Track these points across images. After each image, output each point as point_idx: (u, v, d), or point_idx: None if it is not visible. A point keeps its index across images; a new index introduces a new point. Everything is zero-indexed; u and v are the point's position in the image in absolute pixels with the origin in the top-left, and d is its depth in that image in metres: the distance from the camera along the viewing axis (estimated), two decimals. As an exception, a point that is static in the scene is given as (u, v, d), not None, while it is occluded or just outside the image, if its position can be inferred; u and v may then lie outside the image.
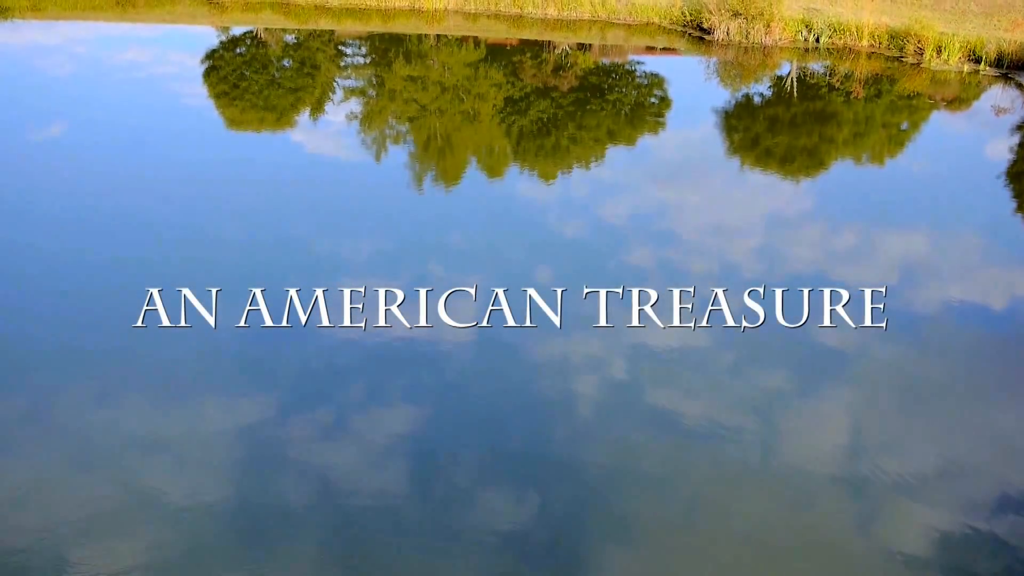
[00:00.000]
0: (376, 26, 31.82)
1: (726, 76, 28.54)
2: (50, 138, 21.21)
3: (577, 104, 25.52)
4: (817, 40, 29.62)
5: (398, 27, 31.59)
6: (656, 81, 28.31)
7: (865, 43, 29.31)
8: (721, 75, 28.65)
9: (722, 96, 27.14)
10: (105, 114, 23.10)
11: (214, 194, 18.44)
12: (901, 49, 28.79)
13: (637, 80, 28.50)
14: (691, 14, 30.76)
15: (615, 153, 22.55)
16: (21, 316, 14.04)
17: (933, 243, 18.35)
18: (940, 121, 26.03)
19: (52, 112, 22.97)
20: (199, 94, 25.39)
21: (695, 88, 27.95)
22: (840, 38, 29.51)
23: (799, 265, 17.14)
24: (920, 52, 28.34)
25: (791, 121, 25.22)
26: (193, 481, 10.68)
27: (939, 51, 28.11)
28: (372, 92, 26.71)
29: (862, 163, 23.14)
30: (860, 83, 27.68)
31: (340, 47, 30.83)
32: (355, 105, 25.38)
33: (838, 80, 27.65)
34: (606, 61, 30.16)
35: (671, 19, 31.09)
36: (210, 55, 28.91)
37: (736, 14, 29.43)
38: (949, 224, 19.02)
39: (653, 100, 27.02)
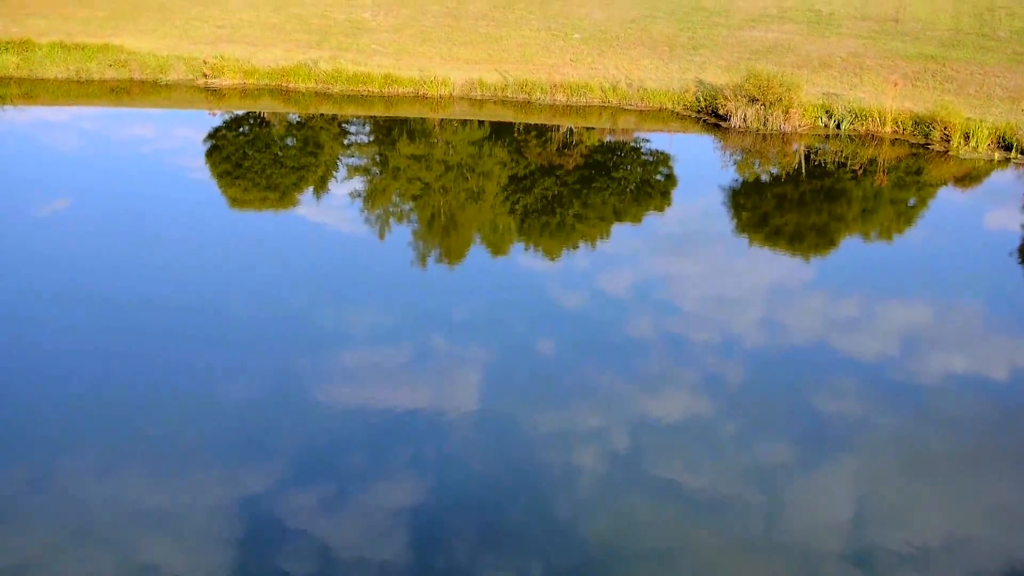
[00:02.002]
0: (379, 111, 32.07)
1: (739, 159, 28.61)
2: (53, 212, 22.48)
3: (582, 182, 25.99)
4: (838, 126, 29.64)
5: (402, 112, 31.85)
6: (662, 158, 28.67)
7: (888, 129, 29.31)
8: (732, 156, 28.77)
9: (729, 173, 27.33)
10: (108, 189, 24.02)
11: (215, 271, 19.47)
12: (927, 135, 28.70)
13: (643, 157, 28.82)
14: (706, 100, 30.92)
15: (621, 231, 23.20)
16: (25, 379, 15.10)
17: (939, 315, 18.85)
18: (949, 198, 26.29)
19: (53, 187, 24.18)
20: (203, 169, 26.23)
21: (702, 165, 28.24)
22: (862, 124, 29.54)
23: (805, 335, 17.67)
24: (947, 139, 28.24)
25: (800, 199, 25.50)
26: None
27: (967, 138, 28.02)
28: (376, 170, 27.35)
29: (871, 239, 23.52)
30: (884, 170, 27.63)
31: (343, 125, 31.16)
32: (359, 183, 26.05)
33: (859, 166, 27.63)
34: (611, 138, 30.33)
35: (685, 104, 31.24)
36: (212, 134, 29.38)
37: (753, 100, 29.52)
38: (957, 297, 19.58)
39: (659, 177, 27.36)
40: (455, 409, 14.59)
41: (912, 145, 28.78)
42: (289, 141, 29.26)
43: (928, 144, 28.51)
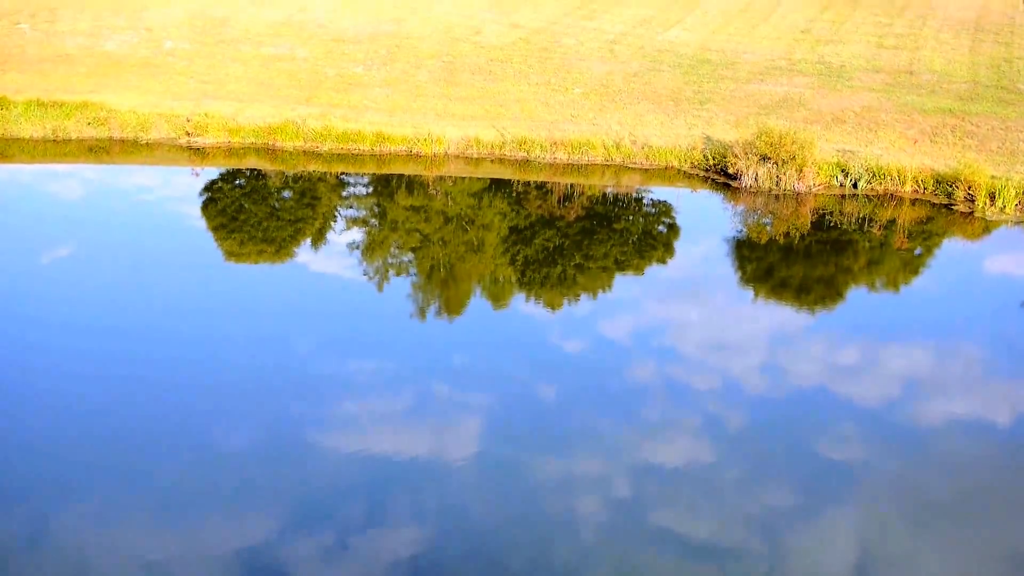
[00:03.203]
0: (371, 170, 30.98)
1: (750, 222, 27.46)
2: (47, 265, 23.11)
3: (583, 233, 26.07)
4: (855, 185, 28.38)
5: (395, 170, 30.75)
6: (664, 209, 28.50)
7: (908, 188, 28.06)
8: (743, 219, 27.63)
9: (732, 224, 27.22)
10: (101, 243, 24.56)
11: (214, 323, 19.98)
12: (950, 195, 27.46)
13: (644, 208, 28.60)
14: (714, 158, 29.71)
15: (623, 283, 23.56)
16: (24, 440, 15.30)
17: (949, 364, 19.20)
18: (954, 247, 26.37)
19: (43, 241, 24.50)
20: (199, 221, 26.68)
21: (704, 215, 28.09)
22: (880, 183, 28.27)
23: (811, 384, 17.91)
24: (971, 199, 26.99)
25: (806, 251, 25.48)
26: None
27: (992, 198, 26.79)
28: (374, 222, 27.54)
29: (876, 290, 23.95)
30: (903, 232, 26.49)
31: (341, 176, 30.61)
32: (357, 235, 26.35)
33: (878, 228, 26.56)
34: (612, 190, 29.69)
35: (692, 162, 30.01)
36: (208, 187, 28.99)
37: (764, 158, 28.31)
38: (964, 345, 20.02)
39: (661, 228, 27.40)
40: (456, 458, 14.99)
41: (934, 206, 27.56)
42: (286, 193, 28.93)
43: (952, 204, 27.27)
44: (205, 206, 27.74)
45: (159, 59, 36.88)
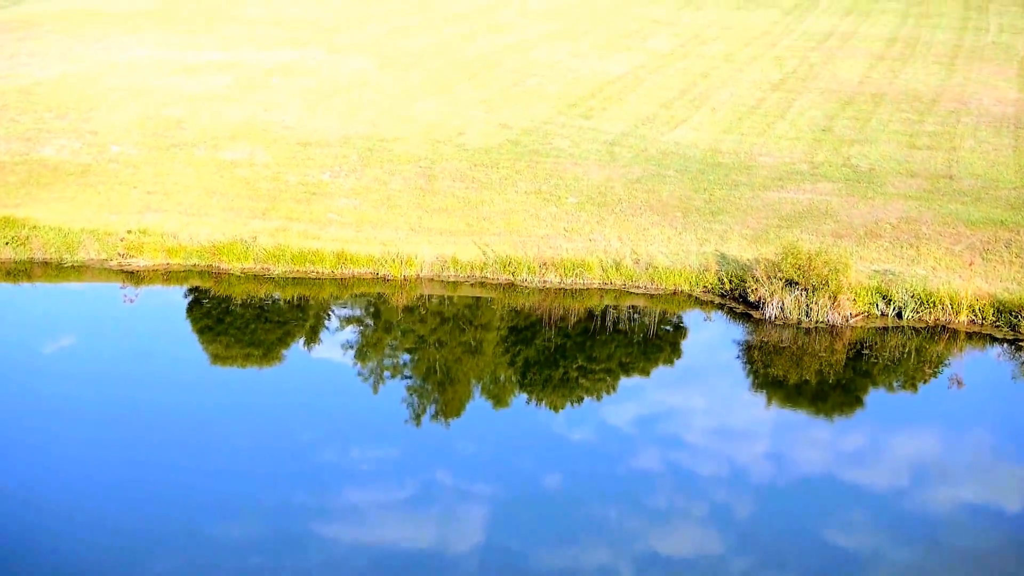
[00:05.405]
0: (331, 293, 27.34)
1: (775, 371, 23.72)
2: (48, 361, 23.88)
3: (586, 334, 25.35)
4: (899, 315, 24.56)
5: (360, 292, 27.16)
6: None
7: (963, 318, 24.24)
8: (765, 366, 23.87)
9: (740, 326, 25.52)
10: (99, 340, 25.25)
11: (198, 436, 20.61)
12: (1014, 327, 23.65)
13: (648, 307, 26.74)
14: (731, 281, 25.97)
15: (627, 385, 23.49)
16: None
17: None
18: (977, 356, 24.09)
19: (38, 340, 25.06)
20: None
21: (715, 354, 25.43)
22: (929, 312, 24.44)
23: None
24: (1042, 332, 23.26)
25: (821, 357, 23.93)
26: None
27: (1067, 331, 23.05)
28: (369, 322, 26.90)
29: (895, 391, 22.96)
30: (964, 375, 22.75)
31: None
32: (350, 336, 26.02)
33: (930, 368, 22.87)
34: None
35: (705, 286, 26.30)
36: (193, 289, 27.86)
37: (791, 283, 24.57)
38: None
39: (667, 328, 26.19)
40: (458, 553, 16.51)
41: (995, 340, 23.75)
42: (275, 294, 27.43)
43: (1018, 340, 23.47)
44: (190, 309, 27.08)
45: (101, 166, 33.58)
